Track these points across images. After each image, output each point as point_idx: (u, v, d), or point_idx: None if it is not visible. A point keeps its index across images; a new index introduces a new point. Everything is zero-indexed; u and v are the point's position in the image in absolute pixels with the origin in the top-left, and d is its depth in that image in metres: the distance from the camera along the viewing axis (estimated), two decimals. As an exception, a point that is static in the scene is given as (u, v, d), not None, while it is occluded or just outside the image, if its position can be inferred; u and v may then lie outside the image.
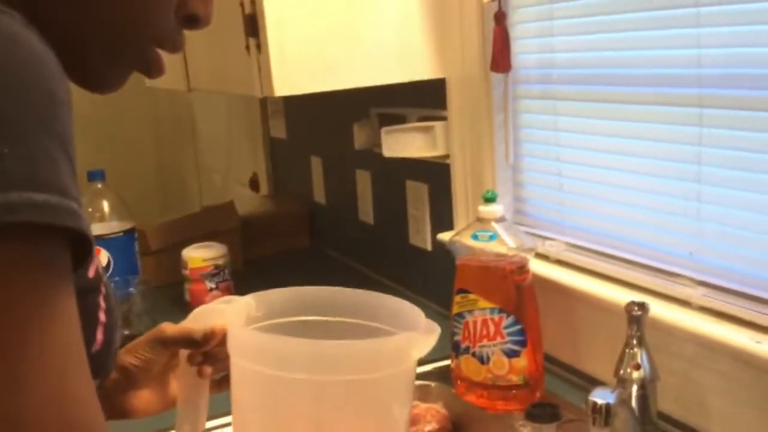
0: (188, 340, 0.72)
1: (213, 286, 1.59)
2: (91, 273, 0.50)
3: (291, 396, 0.63)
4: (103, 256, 1.54)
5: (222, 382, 0.79)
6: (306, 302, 0.73)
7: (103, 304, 0.51)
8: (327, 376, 0.61)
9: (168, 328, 0.73)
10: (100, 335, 0.50)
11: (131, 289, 1.29)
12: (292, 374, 0.61)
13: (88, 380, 0.44)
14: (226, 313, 0.71)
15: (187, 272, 1.60)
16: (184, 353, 0.74)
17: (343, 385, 0.61)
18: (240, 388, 0.67)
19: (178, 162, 3.24)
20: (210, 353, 0.73)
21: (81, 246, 0.44)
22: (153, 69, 0.56)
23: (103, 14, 0.51)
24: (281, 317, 0.73)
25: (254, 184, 2.47)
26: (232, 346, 0.68)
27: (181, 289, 1.62)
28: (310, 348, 0.62)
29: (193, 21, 0.55)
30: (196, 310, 0.75)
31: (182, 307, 1.62)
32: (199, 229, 1.79)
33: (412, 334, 0.62)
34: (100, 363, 0.51)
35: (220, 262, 1.61)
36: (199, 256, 1.60)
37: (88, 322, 0.49)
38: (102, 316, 0.51)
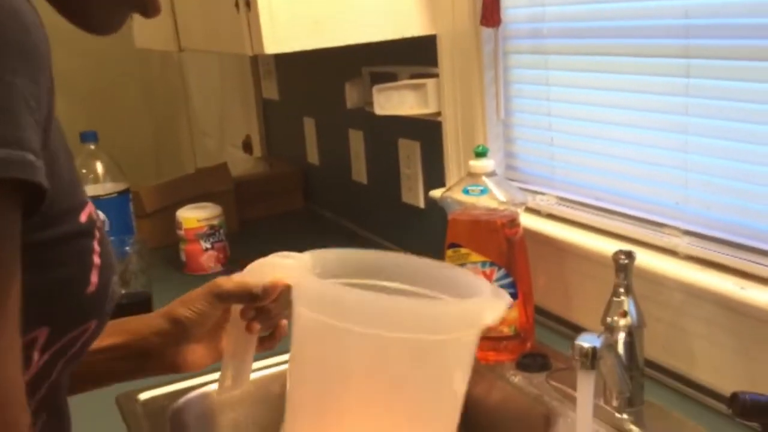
0: (246, 295, 0.70)
1: (208, 246, 1.61)
2: (83, 218, 0.51)
3: (354, 350, 0.60)
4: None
5: (267, 340, 0.78)
6: (364, 265, 0.70)
7: (97, 247, 0.52)
8: (395, 333, 0.57)
9: (225, 282, 0.71)
10: (94, 278, 0.51)
11: (127, 249, 1.30)
12: (357, 327, 0.58)
13: (13, 375, 0.43)
14: (287, 267, 0.68)
15: (182, 233, 1.61)
16: (236, 307, 0.72)
17: (409, 343, 0.58)
18: (301, 340, 0.64)
19: (172, 125, 3.23)
20: (262, 309, 0.72)
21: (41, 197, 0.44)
22: (150, 8, 0.57)
23: None
24: (337, 278, 0.69)
25: (247, 147, 2.47)
26: (301, 296, 0.65)
27: (176, 250, 1.64)
28: (382, 302, 0.59)
29: None
30: (252, 264, 0.72)
31: (178, 268, 1.63)
32: (193, 191, 1.79)
33: (486, 299, 0.58)
34: (95, 304, 0.52)
35: (215, 222, 1.62)
36: (193, 216, 1.61)
37: (82, 266, 0.50)
38: (96, 259, 0.52)
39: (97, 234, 0.53)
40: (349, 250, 0.71)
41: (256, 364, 1.15)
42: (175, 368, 0.74)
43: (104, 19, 0.56)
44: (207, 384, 1.12)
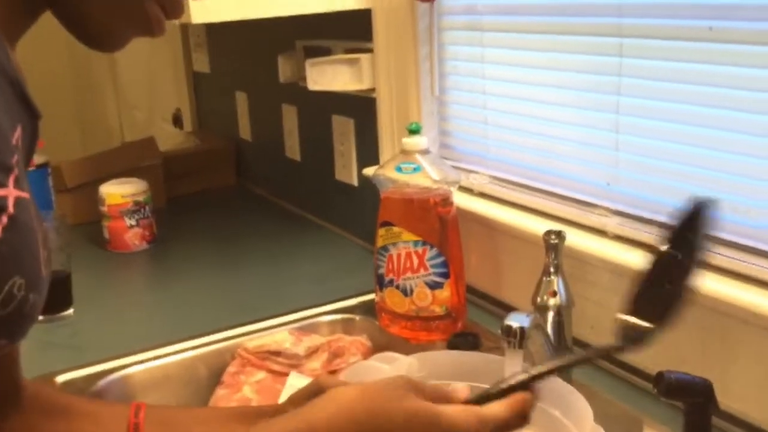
0: None
1: (133, 223, 1.55)
2: None
3: None
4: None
5: None
6: (472, 368, 0.72)
7: (4, 220, 0.48)
8: None
9: (326, 381, 0.69)
10: None
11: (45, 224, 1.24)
12: None
13: None
14: (385, 374, 0.69)
15: (104, 209, 1.55)
16: None
17: None
18: None
19: (98, 99, 3.11)
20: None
21: None
22: (155, 27, 0.57)
23: None
24: (443, 379, 0.72)
25: (178, 120, 2.40)
26: None
27: (99, 227, 1.57)
28: None
29: None
30: (355, 366, 0.73)
31: (101, 245, 1.57)
32: (118, 166, 1.73)
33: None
34: None
35: (141, 198, 1.56)
36: (117, 192, 1.55)
37: None
38: None
39: (5, 221, 0.48)
40: (460, 352, 0.77)
41: (180, 345, 1.13)
42: None
43: (106, 36, 0.57)
44: (128, 366, 1.08)
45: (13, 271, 0.50)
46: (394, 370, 0.72)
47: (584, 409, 0.67)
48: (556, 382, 0.71)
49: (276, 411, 0.69)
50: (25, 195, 0.51)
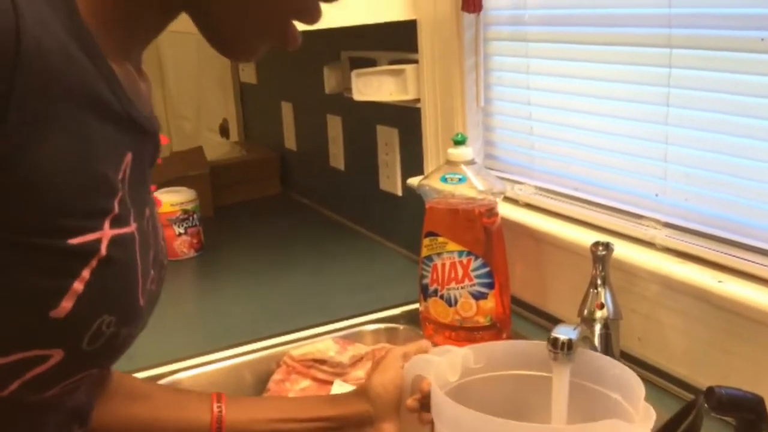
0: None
1: (182, 231, 1.58)
2: (77, 240, 0.47)
3: None
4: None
5: None
6: (528, 356, 0.73)
7: (86, 275, 0.48)
8: None
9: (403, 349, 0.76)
10: (67, 303, 0.47)
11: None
12: None
13: None
14: (434, 367, 0.71)
15: (155, 217, 1.58)
16: (408, 397, 0.75)
17: None
18: None
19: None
20: (427, 402, 0.73)
21: None
22: (290, 41, 0.58)
23: None
24: (501, 370, 0.73)
25: (224, 131, 2.44)
26: (433, 408, 0.68)
27: (149, 235, 1.60)
28: (501, 428, 0.61)
29: None
30: (414, 358, 0.75)
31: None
32: (167, 175, 1.76)
33: (618, 423, 0.59)
34: (60, 332, 0.48)
35: (189, 207, 1.59)
36: (167, 200, 1.58)
37: (50, 283, 0.47)
38: (78, 286, 0.48)
39: (94, 264, 0.48)
40: (514, 341, 0.77)
41: (227, 352, 1.15)
42: None
43: (244, 49, 0.57)
44: (176, 372, 1.11)
45: (102, 310, 0.50)
46: (449, 361, 0.72)
47: (637, 386, 0.66)
48: (602, 359, 0.71)
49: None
50: (125, 231, 0.51)
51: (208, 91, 2.55)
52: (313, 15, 0.58)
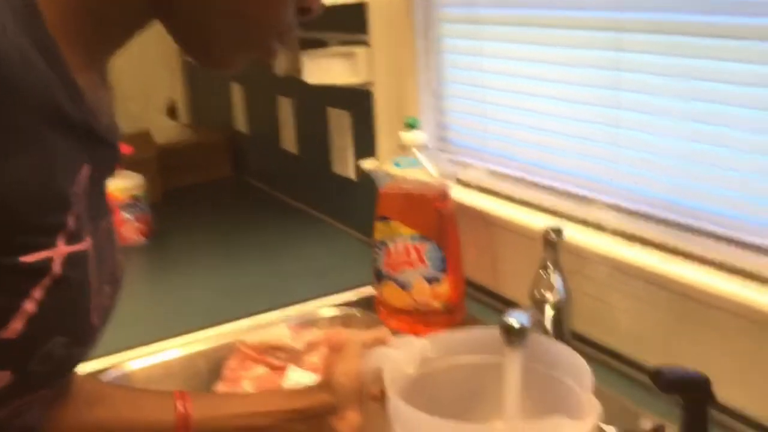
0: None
1: (129, 217, 1.55)
2: (30, 258, 0.46)
3: None
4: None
5: None
6: (484, 343, 0.73)
7: (38, 295, 0.46)
8: None
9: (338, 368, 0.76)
10: (17, 324, 0.46)
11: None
12: None
13: None
14: (390, 362, 0.72)
15: (102, 203, 1.54)
16: (369, 387, 0.75)
17: None
18: None
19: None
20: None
21: None
22: (271, 57, 0.59)
23: (236, 7, 0.53)
24: (459, 358, 0.74)
25: (172, 112, 2.39)
26: (389, 409, 0.68)
27: (96, 221, 1.57)
28: (457, 431, 0.62)
29: (306, 13, 0.58)
30: (373, 351, 0.75)
31: (99, 239, 1.57)
32: (115, 159, 1.72)
33: (562, 420, 0.60)
34: (9, 353, 0.46)
35: (137, 192, 1.56)
36: (114, 186, 1.54)
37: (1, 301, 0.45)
38: (29, 306, 0.46)
39: (47, 282, 0.47)
40: (471, 329, 0.76)
41: (180, 340, 1.14)
42: None
43: (226, 62, 0.57)
44: (129, 361, 1.09)
45: (54, 331, 0.49)
46: (406, 353, 0.73)
47: (583, 368, 0.67)
48: (549, 342, 0.73)
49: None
50: (80, 248, 0.49)
51: (154, 71, 2.49)
52: (291, 35, 0.59)
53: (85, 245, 0.50)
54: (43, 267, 0.47)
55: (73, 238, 0.49)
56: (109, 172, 0.57)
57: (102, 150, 0.53)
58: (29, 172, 0.45)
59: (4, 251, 0.44)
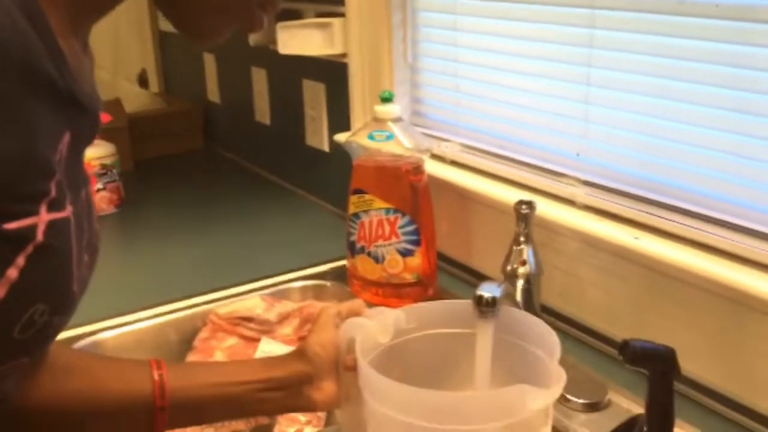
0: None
1: (101, 186, 1.53)
2: (13, 225, 0.45)
3: None
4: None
5: None
6: (458, 315, 0.74)
7: (21, 262, 0.46)
8: (438, 425, 0.62)
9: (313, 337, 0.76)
10: (0, 291, 0.45)
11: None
12: (407, 418, 0.62)
13: None
14: (362, 332, 0.72)
15: (72, 172, 1.52)
16: (345, 356, 0.75)
17: None
18: (367, 419, 0.69)
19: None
20: None
21: None
22: (256, 26, 0.59)
23: None
24: (432, 329, 0.75)
25: (143, 81, 2.36)
26: (359, 377, 0.68)
27: (66, 190, 1.55)
28: (424, 397, 0.63)
29: None
30: (348, 321, 0.75)
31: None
32: (84, 128, 1.70)
33: (526, 387, 0.61)
34: None
35: (108, 161, 1.54)
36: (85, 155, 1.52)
37: None
38: (12, 273, 0.46)
39: (30, 249, 0.46)
40: (446, 301, 0.77)
41: (151, 311, 1.13)
42: (311, 407, 0.76)
43: (210, 33, 0.58)
44: (99, 331, 1.08)
45: (36, 299, 0.49)
46: (380, 323, 0.74)
47: (552, 339, 0.69)
48: (520, 314, 0.74)
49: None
50: (61, 215, 0.49)
51: (125, 39, 2.45)
52: (275, 4, 0.59)
53: (66, 213, 0.50)
54: (27, 234, 0.47)
55: (55, 205, 0.48)
56: (89, 140, 0.56)
57: (83, 118, 0.53)
58: (13, 139, 0.44)
59: None
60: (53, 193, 0.48)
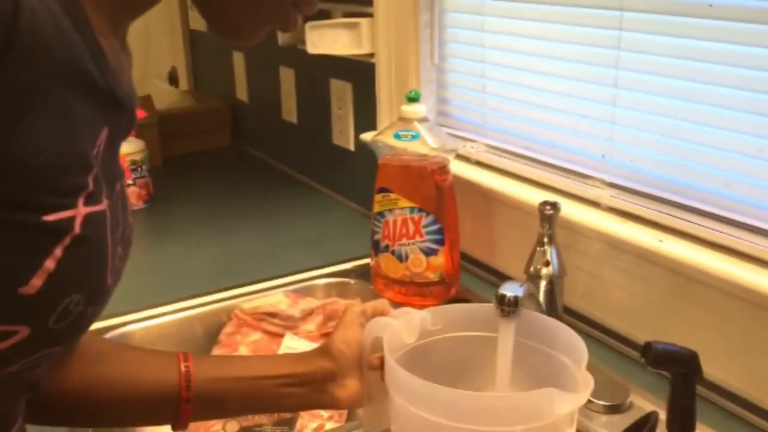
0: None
1: (130, 182, 1.56)
2: (52, 217, 0.47)
3: None
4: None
5: None
6: (483, 318, 0.74)
7: (59, 253, 0.47)
8: (464, 425, 0.62)
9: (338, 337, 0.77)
10: (37, 281, 0.47)
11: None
12: (433, 416, 0.63)
13: None
14: (390, 331, 0.72)
15: (102, 168, 1.55)
16: (370, 355, 0.76)
17: None
18: (393, 416, 0.69)
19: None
20: None
21: None
22: (290, 24, 0.60)
23: None
24: (457, 331, 0.75)
25: (173, 79, 2.39)
26: (386, 374, 0.69)
27: (96, 185, 1.58)
28: (452, 397, 0.63)
29: None
30: (374, 321, 0.76)
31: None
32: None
33: (554, 391, 0.61)
34: (29, 309, 0.48)
35: (138, 157, 1.57)
36: (115, 151, 1.55)
37: (20, 260, 0.46)
38: (50, 264, 0.47)
39: (68, 241, 0.48)
40: (472, 304, 0.76)
41: (178, 305, 1.15)
42: (334, 404, 0.77)
43: (245, 32, 0.59)
44: (126, 324, 1.10)
45: (71, 289, 0.50)
46: (407, 323, 0.74)
47: (581, 351, 0.69)
48: (552, 322, 0.74)
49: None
50: (98, 208, 0.51)
51: (156, 37, 2.48)
52: (312, 4, 0.60)
53: (102, 206, 0.51)
54: (65, 226, 0.48)
55: (92, 199, 0.50)
56: (125, 135, 0.58)
57: (120, 114, 0.54)
58: (54, 134, 0.46)
59: (27, 210, 0.45)
60: (91, 186, 0.50)
